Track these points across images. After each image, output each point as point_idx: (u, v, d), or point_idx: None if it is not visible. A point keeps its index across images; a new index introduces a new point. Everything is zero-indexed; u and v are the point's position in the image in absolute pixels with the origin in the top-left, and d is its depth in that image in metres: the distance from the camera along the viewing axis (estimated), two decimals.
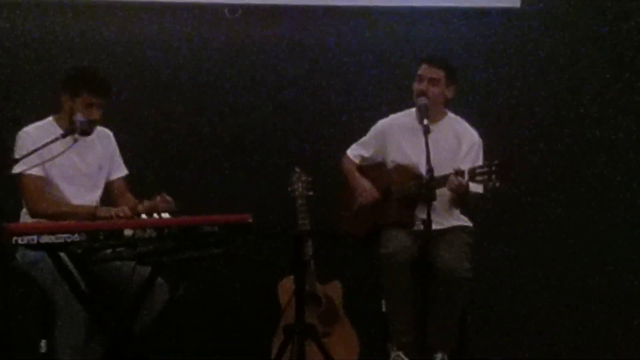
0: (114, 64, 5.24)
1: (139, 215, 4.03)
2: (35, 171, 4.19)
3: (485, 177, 4.27)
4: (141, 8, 5.31)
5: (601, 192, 5.57)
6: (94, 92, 4.29)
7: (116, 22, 5.30)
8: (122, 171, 4.63)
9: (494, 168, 4.24)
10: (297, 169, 4.97)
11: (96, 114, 4.32)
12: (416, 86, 4.66)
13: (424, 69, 4.67)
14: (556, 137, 5.56)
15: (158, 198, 4.16)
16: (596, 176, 5.57)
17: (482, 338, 5.29)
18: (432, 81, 4.64)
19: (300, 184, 4.93)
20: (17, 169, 4.17)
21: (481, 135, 4.73)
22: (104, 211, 4.10)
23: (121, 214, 4.02)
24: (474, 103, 5.40)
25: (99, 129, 4.47)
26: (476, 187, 4.47)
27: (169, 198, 4.15)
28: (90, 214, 4.09)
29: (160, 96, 5.36)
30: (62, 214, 4.13)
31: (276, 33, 5.46)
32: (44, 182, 4.28)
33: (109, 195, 4.56)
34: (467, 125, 4.77)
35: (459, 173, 4.33)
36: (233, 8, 5.35)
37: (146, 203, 4.19)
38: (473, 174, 4.31)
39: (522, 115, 5.56)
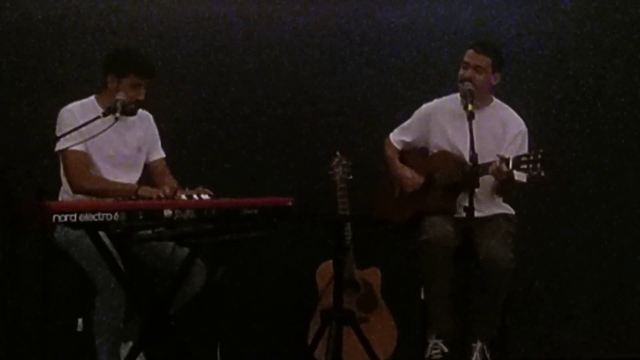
0: (153, 46, 5.20)
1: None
2: (77, 147, 4.19)
3: (530, 166, 4.21)
4: None
5: None
6: (140, 74, 4.31)
7: (154, 3, 5.26)
8: (160, 153, 4.62)
9: (539, 157, 4.18)
10: (338, 154, 4.94)
11: (141, 94, 4.33)
12: (461, 72, 4.59)
13: (469, 56, 4.60)
14: (605, 127, 5.48)
15: (200, 189, 4.13)
16: None
17: (523, 329, 5.25)
18: (478, 68, 4.57)
19: (340, 169, 4.91)
20: (59, 147, 4.20)
21: (527, 123, 4.68)
22: (145, 191, 4.09)
23: (162, 195, 4.00)
24: (521, 89, 5.31)
25: (140, 110, 4.45)
26: (520, 176, 4.42)
27: (210, 192, 4.12)
28: (131, 192, 4.08)
29: (201, 79, 5.32)
30: (104, 191, 4.15)
31: (318, 15, 5.40)
32: (86, 158, 4.28)
33: (149, 177, 4.55)
34: (513, 112, 4.70)
35: (503, 160, 4.27)
36: None
37: (188, 192, 4.16)
38: (518, 163, 4.25)
39: (572, 104, 5.48)
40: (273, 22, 5.37)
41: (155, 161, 4.59)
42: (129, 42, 5.13)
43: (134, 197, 4.01)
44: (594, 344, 5.43)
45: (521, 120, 4.66)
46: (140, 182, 4.44)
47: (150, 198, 3.98)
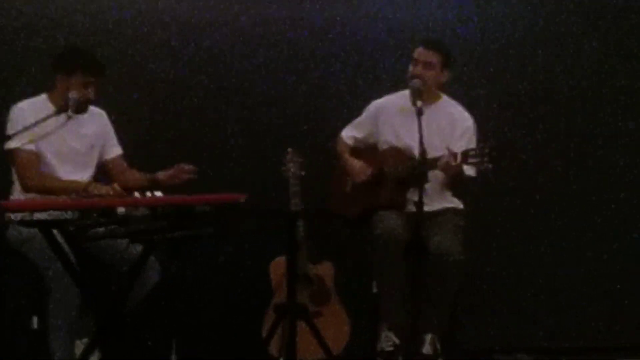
0: (109, 41, 5.20)
1: (157, 184, 4.04)
2: (28, 146, 4.19)
3: (478, 159, 4.28)
4: None
5: (599, 178, 5.58)
6: (89, 72, 4.31)
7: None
8: (117, 150, 4.63)
9: (486, 151, 4.25)
10: (290, 150, 4.97)
11: (91, 93, 4.33)
12: (410, 69, 4.64)
13: (419, 53, 4.66)
14: (552, 119, 5.56)
15: (175, 167, 4.16)
16: (595, 162, 5.58)
17: (473, 320, 5.32)
18: (427, 65, 4.62)
19: (293, 164, 4.92)
20: (9, 145, 4.18)
21: (476, 117, 4.75)
22: (95, 188, 4.08)
23: (111, 192, 4.00)
24: (472, 85, 5.38)
25: (92, 108, 4.45)
26: (469, 170, 4.50)
27: (187, 167, 4.14)
28: (81, 189, 4.08)
29: (153, 75, 5.32)
30: (54, 189, 4.15)
31: (270, 13, 5.42)
32: (37, 157, 4.27)
33: (108, 175, 4.56)
34: (461, 108, 4.77)
35: (452, 155, 4.34)
36: None
37: (161, 174, 4.17)
38: (466, 156, 4.32)
39: (521, 100, 5.54)
40: (225, 17, 5.37)
41: (113, 159, 4.61)
42: (84, 39, 5.12)
43: (84, 194, 4.01)
44: (544, 334, 5.50)
45: (469, 116, 4.73)
46: (95, 179, 4.45)
47: (101, 195, 3.99)
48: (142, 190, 3.95)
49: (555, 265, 5.54)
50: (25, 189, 4.25)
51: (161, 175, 4.30)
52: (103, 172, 4.57)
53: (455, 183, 4.62)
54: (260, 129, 5.40)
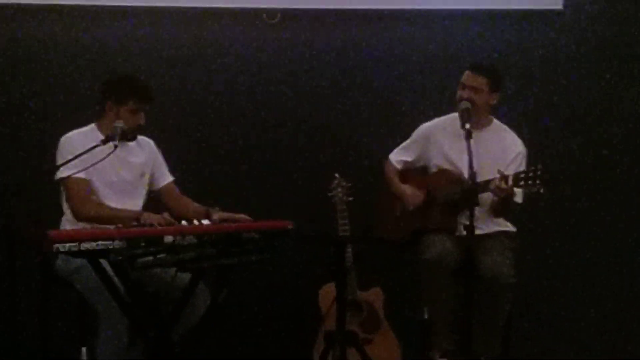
0: (152, 71, 5.22)
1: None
2: (79, 175, 4.20)
3: (530, 182, 4.23)
4: (179, 13, 5.28)
5: None
6: (140, 99, 4.32)
7: (154, 28, 5.29)
8: (168, 177, 4.63)
9: (538, 173, 4.20)
10: (337, 175, 4.94)
11: (142, 119, 4.34)
12: (459, 93, 4.62)
13: (466, 77, 4.63)
14: (601, 141, 5.49)
15: (240, 216, 4.17)
16: None
17: (527, 344, 5.24)
18: (474, 89, 4.59)
19: (340, 190, 4.90)
20: (60, 175, 4.20)
21: (522, 139, 4.70)
22: (147, 217, 4.08)
23: (163, 222, 3.99)
24: (515, 107, 5.31)
25: (140, 137, 4.47)
26: (517, 197, 4.45)
27: (245, 218, 4.16)
28: (133, 218, 4.08)
29: (198, 102, 5.35)
30: (106, 217, 4.14)
31: (315, 38, 5.42)
32: (88, 185, 4.28)
33: (162, 203, 4.55)
34: (513, 134, 4.73)
35: (503, 178, 4.28)
36: (271, 13, 5.32)
37: (222, 214, 4.18)
38: (517, 179, 4.27)
39: (565, 120, 5.49)
40: (272, 46, 5.38)
41: (165, 186, 4.60)
42: (125, 67, 5.16)
43: (135, 223, 4.01)
44: (600, 356, 5.41)
45: (520, 142, 4.69)
46: (146, 208, 4.45)
47: (152, 225, 3.98)
48: (190, 219, 3.95)
49: (611, 286, 5.46)
50: (78, 217, 4.25)
51: (217, 215, 4.25)
52: (156, 200, 4.55)
53: (504, 208, 4.55)
54: (307, 155, 5.39)
